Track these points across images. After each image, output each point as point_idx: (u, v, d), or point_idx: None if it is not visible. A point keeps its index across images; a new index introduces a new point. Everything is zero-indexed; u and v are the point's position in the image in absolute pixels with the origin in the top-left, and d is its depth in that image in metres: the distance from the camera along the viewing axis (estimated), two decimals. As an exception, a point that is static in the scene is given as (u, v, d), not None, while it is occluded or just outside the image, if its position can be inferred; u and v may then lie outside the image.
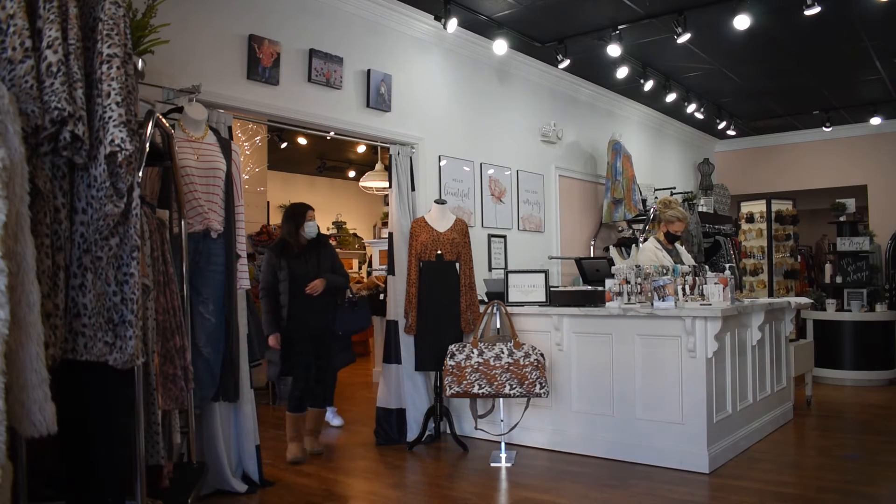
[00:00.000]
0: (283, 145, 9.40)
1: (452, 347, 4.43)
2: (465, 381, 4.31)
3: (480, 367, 4.31)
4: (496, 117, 6.62)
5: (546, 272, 5.04)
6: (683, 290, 4.34)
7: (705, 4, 5.66)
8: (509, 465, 4.39)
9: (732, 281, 4.40)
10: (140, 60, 2.74)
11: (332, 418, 5.67)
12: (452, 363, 4.36)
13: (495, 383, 4.27)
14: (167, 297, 2.78)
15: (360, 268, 11.22)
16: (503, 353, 4.35)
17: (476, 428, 4.67)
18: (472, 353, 4.36)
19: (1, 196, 1.77)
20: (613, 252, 7.64)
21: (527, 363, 4.28)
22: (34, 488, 2.28)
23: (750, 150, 11.09)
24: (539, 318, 4.84)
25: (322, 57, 4.92)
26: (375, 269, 9.56)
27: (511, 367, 4.28)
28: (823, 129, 9.49)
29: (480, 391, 4.30)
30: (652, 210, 7.26)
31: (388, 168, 5.54)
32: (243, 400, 3.94)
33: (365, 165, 10.90)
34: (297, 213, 4.68)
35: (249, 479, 3.97)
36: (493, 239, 6.43)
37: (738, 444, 4.56)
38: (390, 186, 5.44)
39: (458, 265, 5.09)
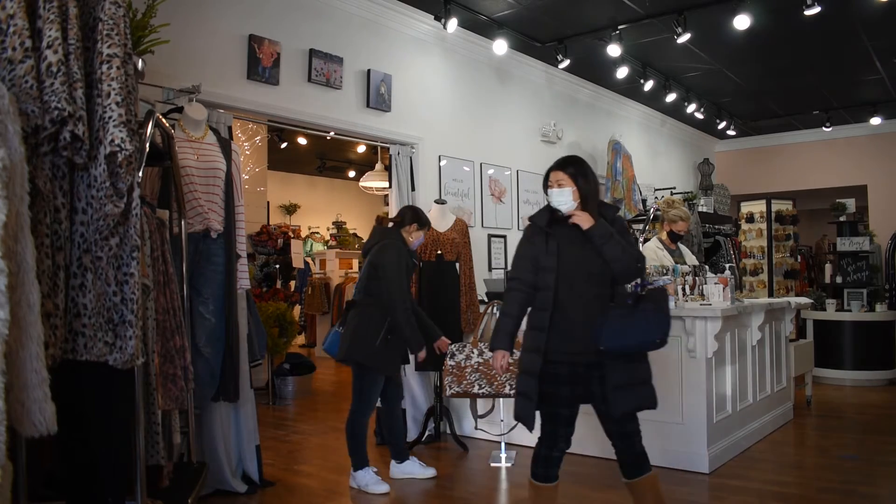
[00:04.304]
0: (283, 145, 9.40)
1: (452, 347, 4.41)
2: (465, 381, 4.31)
3: (480, 367, 4.30)
4: (496, 117, 6.62)
5: (546, 272, 5.03)
6: (683, 290, 4.34)
7: (705, 4, 5.66)
8: (509, 465, 4.39)
9: (732, 281, 4.40)
10: (140, 60, 2.73)
11: (375, 484, 3.94)
12: (452, 363, 4.35)
13: (495, 383, 4.27)
14: (167, 297, 2.78)
15: (359, 268, 11.21)
16: None
17: (476, 428, 4.67)
18: (473, 353, 4.35)
19: (1, 196, 1.77)
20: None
21: (527, 363, 4.28)
22: (34, 488, 2.28)
23: (750, 150, 11.10)
24: (539, 318, 4.83)
25: (322, 57, 4.92)
26: (375, 269, 9.54)
27: (511, 368, 4.27)
28: (823, 129, 9.49)
29: (481, 391, 4.29)
30: (653, 210, 7.26)
31: (388, 168, 5.54)
32: (243, 400, 3.93)
33: (365, 165, 10.91)
34: (545, 176, 3.01)
35: (249, 479, 3.96)
36: (493, 239, 6.43)
37: (738, 444, 4.56)
38: (390, 186, 5.44)
39: (458, 265, 5.09)
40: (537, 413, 2.88)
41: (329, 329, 10.55)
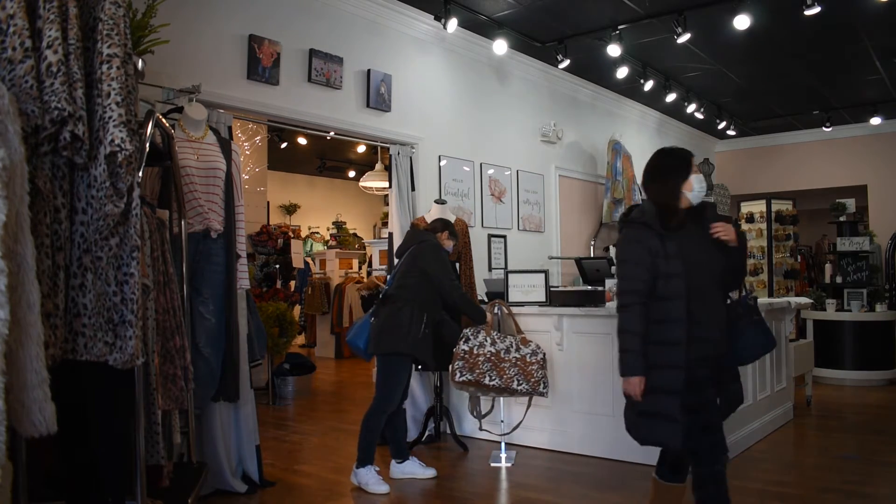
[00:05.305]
0: (283, 145, 9.40)
1: (467, 331, 4.30)
2: (477, 370, 4.19)
3: (492, 358, 4.22)
4: (496, 117, 6.62)
5: (546, 272, 5.04)
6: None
7: (705, 4, 5.66)
8: (509, 465, 4.39)
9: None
10: (140, 60, 2.74)
11: (375, 484, 3.96)
12: (466, 348, 4.23)
13: (504, 377, 4.20)
14: (167, 297, 2.78)
15: (360, 268, 11.22)
16: (512, 347, 4.30)
17: (480, 429, 4.65)
18: (486, 341, 4.26)
19: (1, 196, 1.77)
20: (613, 252, 7.64)
21: (533, 361, 4.25)
22: (34, 488, 2.28)
23: (750, 150, 11.10)
24: (539, 318, 4.84)
25: (322, 57, 4.91)
26: (375, 269, 9.57)
27: (518, 363, 4.25)
28: (823, 129, 9.49)
29: (491, 383, 4.19)
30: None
31: (388, 168, 5.54)
32: (243, 400, 3.94)
33: (365, 165, 10.92)
34: (684, 162, 2.79)
35: (249, 479, 3.96)
36: (493, 239, 6.43)
37: (738, 444, 4.56)
38: (390, 186, 5.44)
39: (458, 265, 5.09)
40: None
41: (328, 327, 10.50)
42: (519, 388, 4.21)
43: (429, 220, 5.08)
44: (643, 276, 2.60)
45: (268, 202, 9.40)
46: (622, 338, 2.64)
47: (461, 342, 4.28)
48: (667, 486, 2.82)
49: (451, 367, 4.24)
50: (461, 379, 4.21)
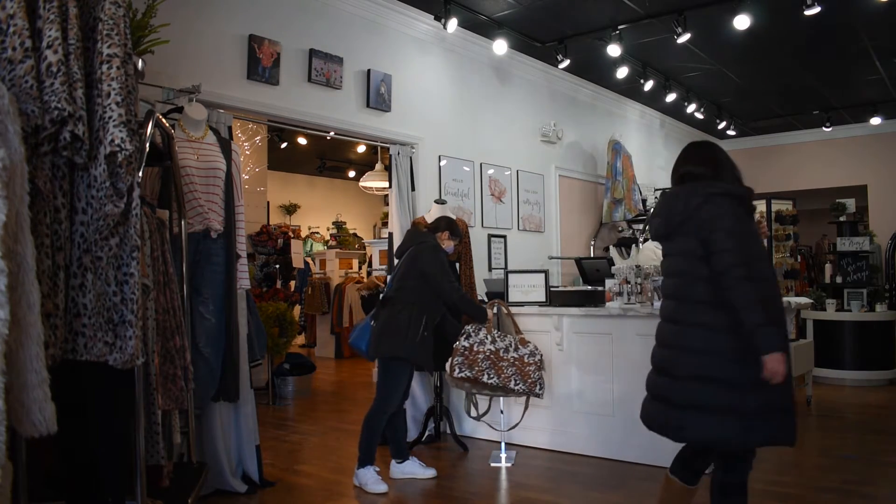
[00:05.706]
0: (283, 145, 9.41)
1: (469, 328, 4.30)
2: (476, 367, 4.18)
3: (491, 356, 4.21)
4: (496, 117, 6.62)
5: (546, 272, 5.04)
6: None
7: (705, 4, 5.66)
8: (509, 465, 4.39)
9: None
10: (140, 60, 2.74)
11: (374, 483, 3.96)
12: (466, 344, 4.23)
13: (502, 375, 4.20)
14: (167, 297, 2.78)
15: (360, 268, 11.22)
16: (511, 346, 4.30)
17: (480, 420, 4.62)
18: (486, 339, 4.25)
19: (1, 196, 1.77)
20: (613, 252, 7.64)
21: (531, 362, 4.25)
22: (34, 488, 2.28)
23: (750, 150, 11.10)
24: (539, 318, 4.84)
25: (322, 57, 4.92)
26: (375, 269, 9.57)
27: (516, 363, 4.25)
28: (823, 129, 9.49)
29: (489, 381, 4.18)
30: (653, 210, 7.26)
31: (388, 168, 5.54)
32: (243, 400, 3.94)
33: (365, 165, 10.92)
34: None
35: (249, 479, 3.96)
36: (493, 239, 6.43)
37: (738, 444, 4.56)
38: (390, 186, 5.44)
39: (458, 265, 5.09)
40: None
41: (328, 327, 10.49)
42: (516, 387, 4.21)
43: (429, 221, 5.08)
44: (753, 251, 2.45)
45: (268, 202, 9.40)
46: (753, 311, 2.31)
47: (462, 338, 4.28)
48: (686, 489, 2.70)
49: (450, 361, 4.23)
50: (460, 375, 4.20)
